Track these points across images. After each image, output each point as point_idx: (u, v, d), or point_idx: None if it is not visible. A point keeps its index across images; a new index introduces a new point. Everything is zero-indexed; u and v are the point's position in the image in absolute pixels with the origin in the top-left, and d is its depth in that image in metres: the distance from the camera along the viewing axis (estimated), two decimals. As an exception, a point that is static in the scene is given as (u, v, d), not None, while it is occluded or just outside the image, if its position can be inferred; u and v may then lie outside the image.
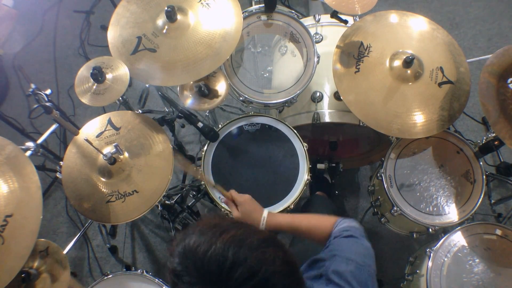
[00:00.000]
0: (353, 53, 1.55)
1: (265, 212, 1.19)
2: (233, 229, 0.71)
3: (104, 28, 2.81)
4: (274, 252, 0.70)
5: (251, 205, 1.21)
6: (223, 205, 1.52)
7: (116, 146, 1.41)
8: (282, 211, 1.52)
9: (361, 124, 1.66)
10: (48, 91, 1.53)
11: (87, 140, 1.35)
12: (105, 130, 1.53)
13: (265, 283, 0.66)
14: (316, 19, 1.83)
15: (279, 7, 1.67)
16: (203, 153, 1.61)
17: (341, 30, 1.66)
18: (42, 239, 1.50)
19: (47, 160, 1.89)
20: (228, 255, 0.66)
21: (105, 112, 1.59)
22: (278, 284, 0.68)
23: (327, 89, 1.78)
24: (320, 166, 1.99)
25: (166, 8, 1.47)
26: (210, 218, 0.77)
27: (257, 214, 1.18)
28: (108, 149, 1.43)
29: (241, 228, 0.72)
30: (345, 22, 1.79)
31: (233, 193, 1.24)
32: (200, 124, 1.56)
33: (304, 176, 1.56)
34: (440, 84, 1.52)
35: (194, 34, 1.50)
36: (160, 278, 1.49)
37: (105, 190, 1.43)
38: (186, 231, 0.74)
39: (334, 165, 2.03)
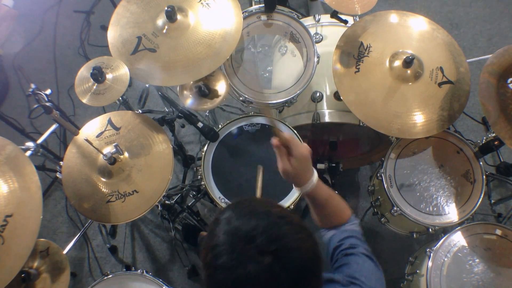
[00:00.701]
0: (353, 53, 1.55)
1: (315, 176, 1.02)
2: (280, 207, 0.78)
3: (104, 28, 2.81)
4: (306, 236, 0.74)
5: (306, 163, 1.01)
6: (223, 205, 1.52)
7: (116, 146, 1.41)
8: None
9: (361, 124, 1.66)
10: (48, 91, 1.53)
11: (87, 140, 1.35)
12: (105, 130, 1.53)
13: (285, 254, 0.69)
14: (316, 19, 1.83)
15: (279, 7, 1.67)
16: (203, 153, 1.61)
17: (341, 30, 1.66)
18: (42, 239, 1.50)
19: (47, 160, 1.89)
20: (265, 221, 0.72)
21: (105, 112, 1.59)
22: (297, 262, 0.70)
23: (327, 89, 1.78)
24: (320, 166, 1.99)
25: (166, 8, 1.47)
26: (267, 198, 0.84)
27: (307, 175, 1.01)
28: (108, 149, 1.43)
29: (287, 211, 0.78)
30: (345, 22, 1.79)
31: (293, 139, 1.00)
32: (200, 124, 1.56)
33: (304, 176, 1.55)
34: (440, 84, 1.52)
35: (194, 34, 1.50)
36: (160, 278, 1.49)
37: (105, 190, 1.43)
38: (242, 198, 0.80)
39: (334, 165, 2.02)
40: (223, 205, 1.52)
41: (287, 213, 0.76)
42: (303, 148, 0.99)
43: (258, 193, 1.24)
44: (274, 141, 1.00)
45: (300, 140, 1.62)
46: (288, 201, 1.53)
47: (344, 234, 1.02)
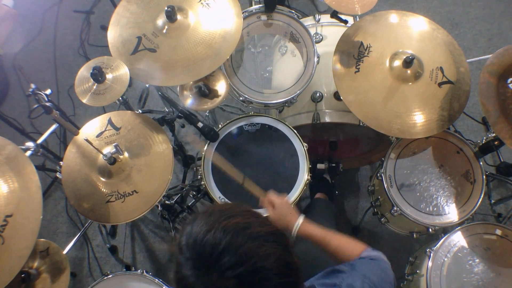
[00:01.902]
0: (353, 53, 1.55)
1: (301, 219, 1.18)
2: (240, 216, 0.72)
3: (104, 28, 2.81)
4: (272, 248, 0.69)
5: (288, 208, 1.22)
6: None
7: (116, 146, 1.41)
8: (282, 211, 1.52)
9: (361, 124, 1.66)
10: (48, 91, 1.53)
11: (87, 140, 1.35)
12: (105, 130, 1.52)
13: (251, 275, 0.66)
14: (316, 19, 1.83)
15: (279, 7, 1.67)
16: (203, 153, 1.61)
17: (341, 30, 1.66)
18: (42, 239, 1.50)
19: (47, 160, 1.89)
20: (223, 240, 0.67)
21: (105, 112, 1.59)
22: (266, 280, 0.67)
23: (327, 89, 1.78)
24: (320, 166, 1.99)
25: (166, 8, 1.47)
26: (223, 205, 0.80)
27: (292, 218, 1.18)
28: (108, 149, 1.43)
29: (250, 218, 0.72)
30: (345, 22, 1.79)
31: (271, 195, 1.27)
32: (200, 124, 1.56)
33: (304, 176, 1.56)
34: (440, 84, 1.52)
35: (194, 34, 1.50)
36: (160, 278, 1.49)
37: (104, 190, 1.43)
38: (199, 212, 0.76)
39: (334, 165, 2.03)
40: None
41: (247, 222, 0.71)
42: (281, 199, 1.25)
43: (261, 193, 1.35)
44: (261, 202, 1.30)
45: (301, 140, 1.62)
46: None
47: (357, 279, 0.97)
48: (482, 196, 1.55)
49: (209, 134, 1.57)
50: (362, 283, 0.89)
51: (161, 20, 1.53)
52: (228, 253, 0.66)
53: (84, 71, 1.52)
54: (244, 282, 0.66)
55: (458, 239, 1.49)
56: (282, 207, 1.22)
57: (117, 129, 1.53)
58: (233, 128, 1.66)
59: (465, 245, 1.48)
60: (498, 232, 1.49)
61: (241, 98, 1.67)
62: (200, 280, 0.67)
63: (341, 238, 1.11)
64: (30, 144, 1.66)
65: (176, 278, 0.71)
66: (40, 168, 2.01)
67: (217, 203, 1.52)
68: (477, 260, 1.46)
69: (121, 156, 1.45)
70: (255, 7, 1.69)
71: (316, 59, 1.61)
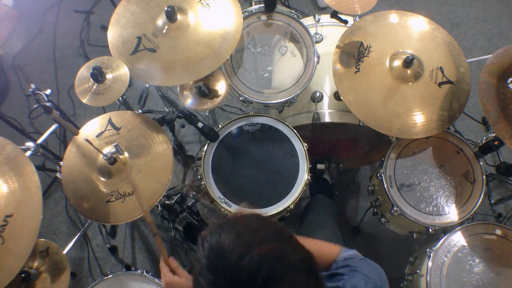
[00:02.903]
0: (353, 53, 1.55)
1: None
2: (273, 241, 0.67)
3: (104, 28, 2.81)
4: (307, 278, 0.67)
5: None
6: (223, 205, 1.52)
7: (116, 146, 1.41)
8: (282, 211, 1.52)
9: (361, 124, 1.66)
10: (48, 91, 1.53)
11: (87, 140, 1.35)
12: (105, 130, 1.52)
13: None
14: (316, 19, 1.83)
15: (279, 7, 1.67)
16: (203, 153, 1.61)
17: (341, 30, 1.66)
18: (42, 239, 1.50)
19: (47, 160, 1.89)
20: (262, 269, 0.62)
21: (105, 112, 1.59)
22: None
23: (327, 89, 1.78)
24: (320, 166, 1.99)
25: (166, 8, 1.47)
26: (251, 219, 0.72)
27: None
28: (108, 149, 1.43)
29: (282, 242, 0.68)
30: (345, 22, 1.79)
31: (173, 262, 1.07)
32: (200, 124, 1.56)
33: (304, 176, 1.56)
34: (440, 84, 1.52)
35: (194, 34, 1.51)
36: (160, 278, 1.49)
37: (104, 190, 1.43)
38: (223, 225, 0.70)
39: (334, 165, 2.03)
40: (223, 205, 1.52)
41: (282, 247, 0.67)
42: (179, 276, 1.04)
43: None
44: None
45: (301, 140, 1.62)
46: (288, 201, 1.53)
47: (339, 264, 1.00)
48: (482, 196, 1.54)
49: (209, 134, 1.57)
50: (365, 284, 0.89)
51: (161, 20, 1.53)
52: (271, 284, 0.62)
53: (84, 71, 1.52)
54: None
55: (458, 239, 1.49)
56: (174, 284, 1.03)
57: (117, 129, 1.53)
58: (233, 128, 1.66)
59: (465, 245, 1.48)
60: (498, 232, 1.49)
61: (241, 98, 1.67)
62: None
63: (315, 243, 1.08)
64: (30, 144, 1.66)
65: None
66: (40, 168, 2.01)
67: (217, 203, 1.52)
68: (477, 260, 1.46)
69: (121, 156, 1.45)
70: (255, 7, 1.69)
71: (316, 59, 1.61)
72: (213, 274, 0.65)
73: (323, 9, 2.84)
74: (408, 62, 1.48)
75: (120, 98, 1.58)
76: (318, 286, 0.69)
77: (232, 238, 0.66)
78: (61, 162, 1.51)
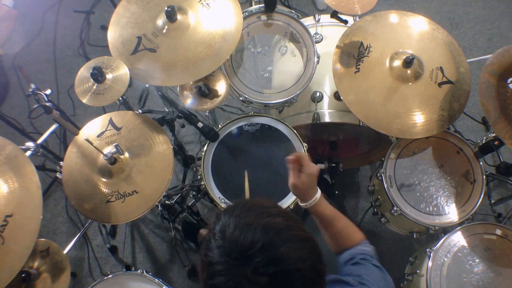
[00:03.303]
0: (353, 53, 1.55)
1: (319, 193, 1.10)
2: (279, 217, 0.72)
3: (104, 28, 2.81)
4: (307, 253, 0.70)
5: (314, 180, 1.09)
6: (223, 205, 1.52)
7: (116, 146, 1.41)
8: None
9: (361, 124, 1.66)
10: (48, 91, 1.53)
11: (87, 140, 1.36)
12: (106, 130, 1.53)
13: (284, 276, 0.67)
14: (316, 19, 1.83)
15: (279, 7, 1.67)
16: (203, 153, 1.61)
17: (341, 30, 1.66)
18: (42, 239, 1.50)
19: (47, 160, 1.89)
20: (263, 238, 0.67)
21: (105, 112, 1.59)
22: (297, 283, 0.68)
23: (327, 89, 1.78)
24: (320, 166, 1.99)
25: (166, 8, 1.47)
26: (263, 200, 0.79)
27: (312, 191, 1.09)
28: (109, 149, 1.43)
29: (288, 220, 0.73)
30: (345, 22, 1.79)
31: (307, 158, 1.09)
32: (200, 124, 1.56)
33: (304, 176, 1.56)
34: (440, 84, 1.52)
35: (194, 34, 1.51)
36: (160, 278, 1.49)
37: (105, 190, 1.43)
38: (239, 202, 0.76)
39: (334, 165, 2.02)
40: (223, 205, 1.52)
41: (288, 224, 0.72)
42: (312, 167, 1.08)
43: (247, 195, 1.30)
44: (291, 157, 1.09)
45: (300, 140, 1.62)
46: (288, 201, 1.53)
47: (355, 251, 1.03)
48: (482, 196, 1.55)
49: (209, 134, 1.57)
50: None
51: (161, 20, 1.53)
52: (266, 251, 0.67)
53: (84, 71, 1.52)
54: (276, 281, 0.67)
55: (458, 239, 1.49)
56: (311, 177, 1.07)
57: (118, 129, 1.53)
58: (233, 128, 1.66)
59: (465, 245, 1.48)
60: (498, 232, 1.49)
61: (241, 98, 1.67)
62: (230, 270, 0.68)
63: (347, 221, 1.11)
64: (30, 144, 1.66)
65: (204, 261, 0.72)
66: (40, 168, 2.01)
67: (217, 203, 1.52)
68: (477, 260, 1.46)
69: (122, 156, 1.45)
70: (255, 7, 1.69)
71: (316, 59, 1.61)
72: (221, 239, 0.70)
73: (322, 11, 2.84)
74: (408, 62, 1.48)
75: (120, 98, 1.58)
76: (317, 265, 0.71)
77: (245, 210, 0.73)
78: (61, 162, 1.51)
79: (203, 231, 2.08)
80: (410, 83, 1.51)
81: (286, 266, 0.67)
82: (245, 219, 0.71)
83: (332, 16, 1.77)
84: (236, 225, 0.70)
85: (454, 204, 1.56)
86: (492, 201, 2.07)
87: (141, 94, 2.28)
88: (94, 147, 1.38)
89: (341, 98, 1.53)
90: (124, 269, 2.14)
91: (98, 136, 1.51)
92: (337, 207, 1.91)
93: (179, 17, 1.52)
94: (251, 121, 1.66)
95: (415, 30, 1.61)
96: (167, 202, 1.93)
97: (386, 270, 0.99)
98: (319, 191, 1.11)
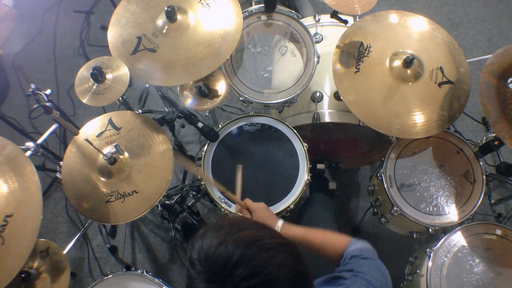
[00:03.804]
0: (353, 53, 1.55)
1: (280, 222, 1.18)
2: (251, 229, 0.72)
3: (104, 28, 2.81)
4: (284, 258, 0.70)
5: (266, 212, 1.21)
6: (223, 205, 1.52)
7: (116, 146, 1.41)
8: (282, 211, 1.52)
9: (361, 124, 1.66)
10: (48, 91, 1.53)
11: (87, 140, 1.35)
12: (105, 130, 1.53)
13: (265, 286, 0.66)
14: (316, 19, 1.83)
15: (279, 7, 1.67)
16: (203, 153, 1.61)
17: (341, 30, 1.66)
18: (42, 239, 1.50)
19: (47, 160, 1.89)
20: (236, 252, 0.67)
21: (105, 112, 1.59)
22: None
23: (327, 89, 1.78)
24: (320, 166, 1.99)
25: (166, 8, 1.47)
26: (234, 218, 0.79)
27: (270, 222, 1.17)
28: (108, 149, 1.43)
29: (260, 230, 0.73)
30: (345, 22, 1.79)
31: (248, 201, 1.26)
32: (200, 124, 1.56)
33: (304, 176, 1.56)
34: (440, 84, 1.52)
35: (194, 34, 1.51)
36: (160, 278, 1.49)
37: (104, 190, 1.43)
38: (209, 226, 0.76)
39: (334, 165, 2.03)
40: (223, 205, 1.52)
41: (258, 235, 0.72)
42: (258, 204, 1.23)
43: (238, 192, 1.33)
44: (239, 210, 1.27)
45: (301, 140, 1.62)
46: (288, 201, 1.53)
47: (347, 255, 1.02)
48: (482, 196, 1.55)
49: (209, 134, 1.57)
50: None
51: (161, 20, 1.53)
52: (242, 265, 0.66)
53: (84, 71, 1.52)
54: None
55: (458, 239, 1.49)
56: (260, 211, 1.21)
57: (117, 129, 1.53)
58: (233, 128, 1.66)
59: (465, 245, 1.48)
60: (498, 232, 1.49)
61: (241, 98, 1.67)
62: None
63: (323, 233, 1.12)
64: (30, 144, 1.66)
65: None
66: (40, 168, 2.01)
67: (217, 203, 1.52)
68: (477, 260, 1.46)
69: (121, 156, 1.45)
70: (255, 7, 1.69)
71: (316, 59, 1.61)
72: (200, 265, 0.70)
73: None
74: (408, 62, 1.48)
75: (120, 98, 1.58)
76: (298, 267, 0.71)
77: (215, 231, 0.73)
78: (61, 162, 1.51)
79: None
80: (410, 83, 1.51)
81: (265, 276, 0.67)
82: (217, 239, 0.70)
83: (332, 16, 1.77)
84: (209, 247, 0.70)
85: (454, 204, 1.56)
86: (492, 201, 2.07)
87: (141, 94, 2.28)
88: (94, 147, 1.38)
89: (341, 98, 1.53)
90: (124, 269, 2.14)
91: (98, 136, 1.51)
92: (337, 207, 1.92)
93: (179, 17, 1.52)
94: (251, 121, 1.66)
95: (415, 30, 1.61)
96: (167, 202, 1.93)
97: (385, 267, 0.99)
98: (280, 220, 1.18)
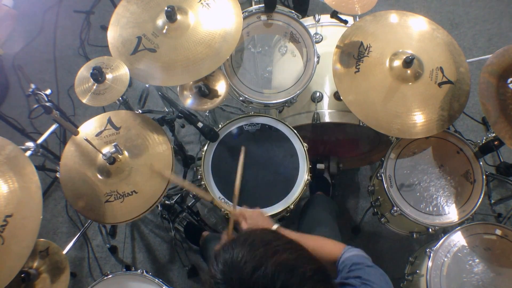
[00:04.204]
0: (353, 53, 1.55)
1: (275, 226, 1.18)
2: (286, 252, 0.69)
3: (104, 28, 2.81)
4: (321, 285, 0.69)
5: (261, 218, 1.22)
6: (223, 205, 1.52)
7: (115, 146, 1.41)
8: (282, 211, 1.52)
9: (361, 124, 1.66)
10: (48, 91, 1.53)
11: (86, 139, 1.35)
12: (104, 129, 1.52)
13: None
14: (316, 19, 1.83)
15: (279, 7, 1.67)
16: (203, 153, 1.61)
17: (341, 30, 1.66)
18: (42, 239, 1.50)
19: (47, 160, 1.89)
20: (277, 280, 0.64)
21: (105, 112, 1.59)
22: None
23: (327, 89, 1.78)
24: (320, 166, 1.99)
25: (166, 8, 1.47)
26: (264, 233, 0.75)
27: (266, 226, 1.18)
28: (108, 149, 1.43)
29: (295, 253, 0.70)
30: (345, 22, 1.79)
31: (243, 209, 1.28)
32: (200, 124, 1.56)
33: (304, 176, 1.56)
34: (440, 84, 1.52)
35: (194, 34, 1.50)
36: (160, 278, 1.49)
37: (104, 190, 1.43)
38: (236, 240, 0.72)
39: (334, 165, 2.02)
40: (223, 205, 1.52)
41: (296, 258, 0.69)
42: (254, 211, 1.23)
43: (238, 174, 1.38)
44: (235, 220, 1.28)
45: (301, 140, 1.62)
46: (288, 201, 1.53)
47: (343, 263, 1.01)
48: (482, 196, 1.55)
49: (209, 134, 1.57)
50: None
51: (161, 20, 1.53)
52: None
53: (84, 71, 1.52)
54: None
55: (458, 239, 1.49)
56: (254, 217, 1.22)
57: (116, 128, 1.53)
58: (233, 128, 1.66)
59: (465, 245, 1.48)
60: (498, 232, 1.49)
61: (241, 98, 1.67)
62: None
63: (317, 238, 1.12)
64: (30, 144, 1.66)
65: None
66: (40, 168, 2.01)
67: (217, 203, 1.52)
68: (477, 260, 1.46)
69: (121, 156, 1.45)
70: (255, 7, 1.69)
71: (316, 59, 1.61)
72: (227, 286, 0.66)
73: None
74: (408, 62, 1.48)
75: (120, 98, 1.58)
76: None
77: (246, 251, 0.68)
78: (61, 162, 1.51)
79: (205, 233, 2.07)
80: (410, 83, 1.51)
81: None
82: (252, 261, 0.66)
83: (332, 16, 1.77)
84: (241, 268, 0.65)
85: (454, 204, 1.56)
86: (492, 201, 2.07)
87: (141, 94, 2.28)
88: (93, 146, 1.37)
89: (341, 98, 1.53)
90: (124, 269, 2.14)
91: (97, 135, 1.51)
92: (337, 205, 1.92)
93: (179, 17, 1.52)
94: (251, 121, 1.66)
95: (415, 30, 1.61)
96: (167, 202, 1.93)
97: (386, 270, 0.99)
98: (275, 224, 1.19)
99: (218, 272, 0.68)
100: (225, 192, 1.55)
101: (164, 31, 1.52)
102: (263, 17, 1.67)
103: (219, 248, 0.72)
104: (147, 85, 2.23)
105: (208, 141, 1.62)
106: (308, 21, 1.88)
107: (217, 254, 0.72)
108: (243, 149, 1.42)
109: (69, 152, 1.49)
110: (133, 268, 2.16)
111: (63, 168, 1.46)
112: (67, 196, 1.44)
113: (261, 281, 0.64)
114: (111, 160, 1.42)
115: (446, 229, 1.56)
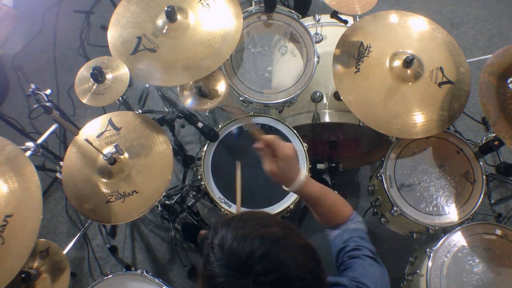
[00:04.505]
0: (353, 53, 1.55)
1: (303, 175, 1.01)
2: (276, 227, 0.73)
3: (104, 28, 2.81)
4: (306, 259, 0.71)
5: (292, 161, 1.00)
6: (223, 205, 1.52)
7: (116, 146, 1.41)
8: (282, 211, 1.52)
9: (361, 124, 1.66)
10: (48, 91, 1.53)
11: (87, 140, 1.35)
12: (105, 131, 1.53)
13: (284, 283, 0.68)
14: (316, 19, 1.83)
15: (279, 7, 1.67)
16: (203, 153, 1.61)
17: (341, 30, 1.66)
18: (42, 239, 1.50)
19: (47, 160, 1.89)
20: (260, 248, 0.68)
21: (105, 112, 1.59)
22: None
23: (327, 89, 1.78)
24: (320, 166, 1.99)
25: (166, 8, 1.47)
26: (263, 212, 0.80)
27: (294, 173, 1.01)
28: (108, 149, 1.43)
29: (285, 229, 0.73)
30: (345, 22, 1.79)
31: (276, 139, 1.00)
32: (200, 124, 1.56)
33: (304, 176, 1.55)
34: (440, 84, 1.52)
35: (194, 34, 1.50)
36: (160, 278, 1.49)
37: (105, 190, 1.43)
38: (235, 216, 0.77)
39: (334, 165, 2.02)
40: (223, 205, 1.52)
41: (284, 233, 0.72)
42: (287, 148, 0.99)
43: (238, 189, 1.32)
44: (258, 145, 1.01)
45: (301, 140, 1.62)
46: (288, 201, 1.53)
47: (347, 234, 1.01)
48: (482, 196, 1.55)
49: (209, 134, 1.57)
50: None
51: (161, 20, 1.53)
52: (265, 259, 0.68)
53: (84, 71, 1.52)
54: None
55: (458, 239, 1.49)
56: (289, 160, 0.99)
57: (117, 129, 1.53)
58: (233, 128, 1.66)
59: (465, 245, 1.48)
60: (498, 232, 1.49)
61: (241, 98, 1.67)
62: (231, 282, 0.69)
63: (335, 197, 1.06)
64: (30, 144, 1.66)
65: (205, 274, 0.73)
66: (40, 168, 2.01)
67: (217, 203, 1.52)
68: (477, 260, 1.46)
69: (121, 156, 1.45)
70: (255, 7, 1.69)
71: (316, 59, 1.61)
72: (221, 252, 0.71)
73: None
74: (408, 62, 1.48)
75: (120, 98, 1.58)
76: (317, 270, 0.72)
77: (241, 222, 0.74)
78: (61, 162, 1.51)
79: (202, 232, 2.08)
80: (410, 83, 1.51)
81: (285, 273, 0.68)
82: (242, 231, 0.71)
83: (332, 16, 1.77)
84: (233, 237, 0.71)
85: (454, 204, 1.56)
86: (492, 201, 2.07)
87: (141, 94, 2.28)
88: (94, 147, 1.38)
89: (341, 98, 1.53)
90: (124, 269, 2.14)
91: (98, 136, 1.51)
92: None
93: (179, 17, 1.52)
94: (251, 121, 1.66)
95: (415, 30, 1.61)
96: (167, 202, 1.93)
97: (386, 270, 0.99)
98: (302, 172, 1.01)
99: (215, 238, 0.73)
100: (225, 192, 1.55)
101: (164, 31, 1.52)
102: (263, 17, 1.67)
103: (219, 221, 0.77)
104: (147, 85, 2.23)
105: (208, 141, 1.62)
106: (308, 21, 1.88)
107: (216, 225, 0.77)
108: (238, 164, 1.37)
109: (71, 153, 1.49)
110: (133, 268, 2.16)
111: (65, 170, 1.47)
112: (70, 197, 1.44)
113: (247, 248, 0.68)
114: (112, 160, 1.42)
115: (446, 229, 1.56)
